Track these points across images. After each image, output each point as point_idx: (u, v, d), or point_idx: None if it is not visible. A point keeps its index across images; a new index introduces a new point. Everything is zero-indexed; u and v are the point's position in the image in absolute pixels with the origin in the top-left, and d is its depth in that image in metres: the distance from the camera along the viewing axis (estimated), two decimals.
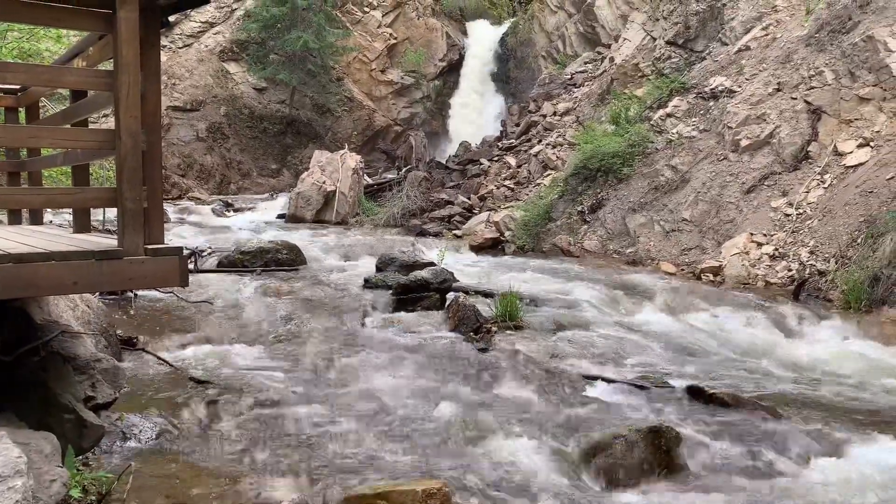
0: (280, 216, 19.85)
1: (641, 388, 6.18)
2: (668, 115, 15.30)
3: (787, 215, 11.52)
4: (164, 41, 23.63)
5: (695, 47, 18.08)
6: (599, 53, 23.23)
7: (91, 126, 5.58)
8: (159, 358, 6.32)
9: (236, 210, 20.57)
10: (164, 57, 22.98)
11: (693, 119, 14.79)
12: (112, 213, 9.53)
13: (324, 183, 19.39)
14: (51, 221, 9.82)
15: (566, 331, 8.08)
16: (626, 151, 14.71)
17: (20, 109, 6.37)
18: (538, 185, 18.13)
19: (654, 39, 19.34)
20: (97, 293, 6.69)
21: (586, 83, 21.89)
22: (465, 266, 11.83)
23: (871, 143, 11.51)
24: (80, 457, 4.09)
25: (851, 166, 11.46)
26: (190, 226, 16.94)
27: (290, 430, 5.00)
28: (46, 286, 3.87)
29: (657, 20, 19.49)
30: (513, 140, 22.00)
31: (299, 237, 14.56)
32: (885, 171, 10.71)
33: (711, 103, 14.77)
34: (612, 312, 9.10)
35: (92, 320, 5.68)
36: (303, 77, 25.14)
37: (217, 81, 25.55)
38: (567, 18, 25.06)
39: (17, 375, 4.09)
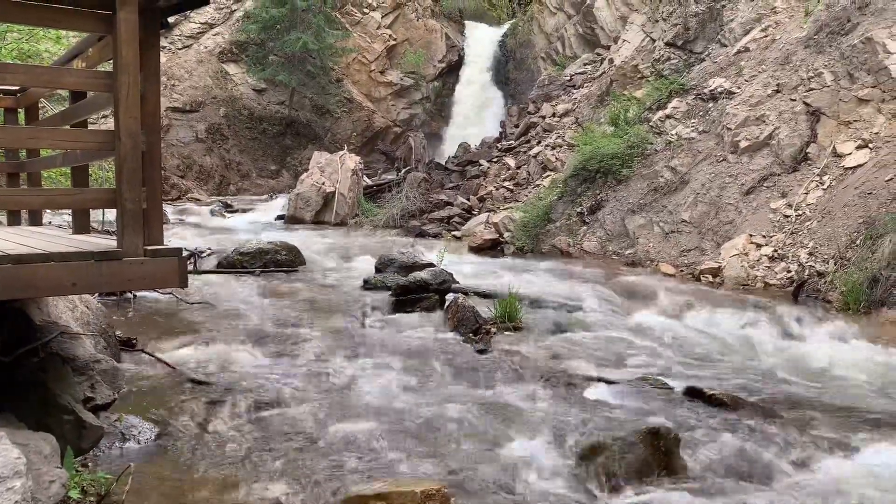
0: (279, 217, 19.85)
1: (640, 389, 6.18)
2: (668, 117, 15.32)
3: (787, 216, 11.53)
4: (163, 42, 23.64)
5: (694, 49, 18.10)
6: (599, 55, 23.25)
7: (90, 127, 5.59)
8: (158, 359, 6.31)
9: (235, 211, 20.57)
10: (163, 58, 23.00)
11: (692, 120, 14.81)
12: (111, 214, 9.53)
13: (323, 184, 19.39)
14: (50, 222, 9.81)
15: (565, 332, 8.09)
16: (626, 153, 14.72)
17: (19, 110, 6.38)
18: (537, 186, 18.14)
19: (654, 41, 19.36)
20: (96, 294, 6.69)
21: (585, 84, 21.90)
22: (464, 267, 11.83)
23: (870, 145, 11.52)
24: (80, 458, 4.08)
25: (850, 168, 11.47)
26: (189, 227, 16.94)
27: (289, 431, 5.00)
28: (45, 287, 3.87)
29: (656, 22, 19.51)
30: (512, 141, 22.02)
31: (298, 238, 14.55)
32: (883, 172, 10.72)
33: (710, 105, 14.78)
34: (611, 314, 9.11)
35: (91, 321, 5.68)
36: (302, 78, 25.14)
37: (216, 82, 25.56)
38: (566, 20, 25.07)
39: (16, 376, 4.09)
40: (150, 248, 4.01)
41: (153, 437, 4.75)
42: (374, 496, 3.82)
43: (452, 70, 29.24)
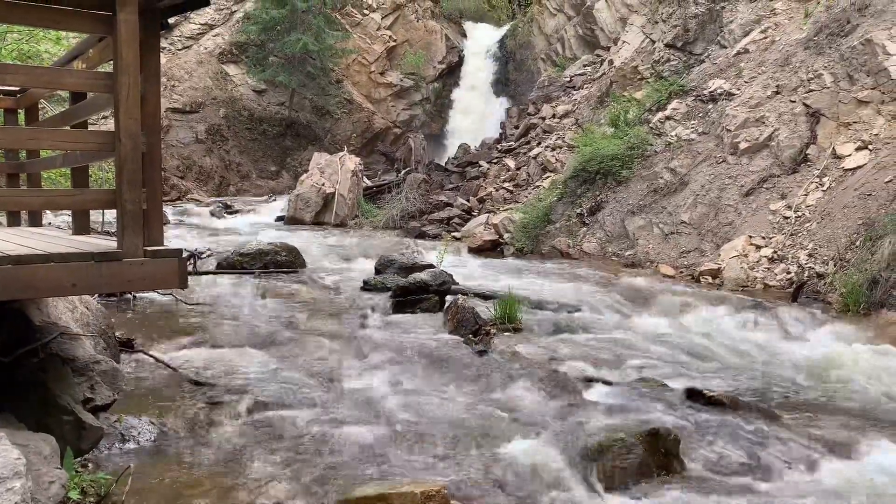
0: (279, 218, 19.86)
1: (640, 390, 6.18)
2: (667, 118, 15.33)
3: (786, 218, 11.53)
4: (163, 43, 23.65)
5: (694, 50, 18.12)
6: (598, 56, 23.27)
7: (90, 128, 5.59)
8: (158, 360, 6.31)
9: (235, 212, 20.57)
10: (163, 59, 22.99)
11: (692, 122, 14.82)
12: (111, 214, 9.53)
13: (323, 185, 19.40)
14: (49, 223, 9.81)
15: (565, 333, 8.09)
16: (625, 154, 14.73)
17: (19, 111, 6.38)
18: (537, 187, 18.15)
19: (653, 42, 19.37)
20: (96, 295, 6.69)
21: (585, 86, 21.92)
22: (464, 268, 11.84)
23: (870, 146, 11.52)
24: (79, 458, 4.08)
25: (850, 169, 11.48)
26: (189, 228, 16.94)
27: (288, 432, 4.99)
28: (45, 288, 3.87)
29: (656, 23, 19.52)
30: (512, 142, 22.04)
31: (298, 239, 14.56)
32: (883, 173, 10.73)
33: (710, 106, 14.79)
34: (610, 315, 9.11)
35: (91, 322, 5.68)
36: (302, 79, 25.15)
37: (216, 83, 25.56)
38: (566, 21, 25.09)
39: (16, 377, 4.09)
40: (150, 248, 4.02)
41: (153, 438, 4.74)
42: (375, 497, 3.82)
43: (452, 71, 29.26)
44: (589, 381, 6.43)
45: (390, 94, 28.40)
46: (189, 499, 4.02)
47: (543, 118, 21.66)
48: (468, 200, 19.47)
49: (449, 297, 8.97)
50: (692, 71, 17.08)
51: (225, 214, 19.93)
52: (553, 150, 19.33)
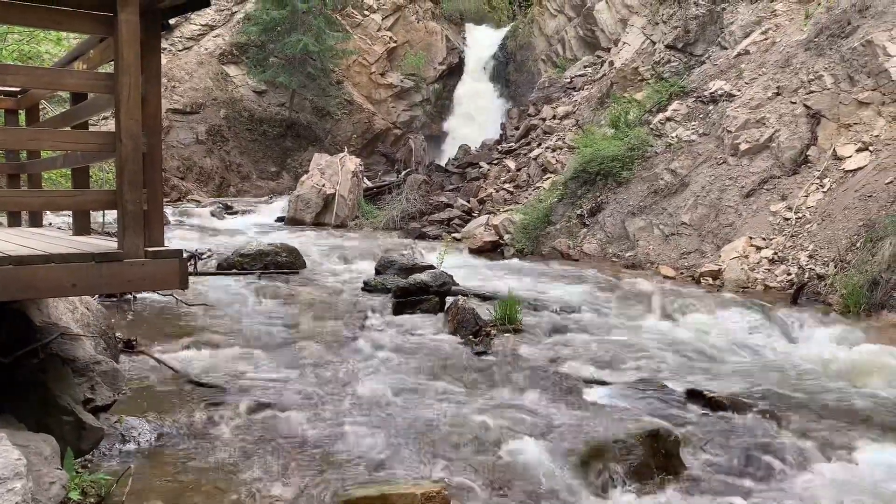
0: (279, 219, 19.86)
1: (640, 391, 6.18)
2: (668, 119, 15.33)
3: (787, 219, 11.53)
4: (163, 44, 23.63)
5: (694, 51, 18.12)
6: (599, 57, 23.27)
7: (91, 129, 5.59)
8: (158, 360, 6.31)
9: (236, 213, 20.58)
10: (164, 60, 22.97)
11: (692, 123, 14.81)
12: (112, 215, 9.53)
13: (323, 186, 19.40)
14: (50, 224, 9.81)
15: (565, 334, 8.09)
16: (626, 155, 14.72)
17: (20, 112, 6.38)
18: (537, 188, 18.15)
19: (654, 43, 19.38)
20: (96, 295, 6.69)
21: (586, 87, 21.92)
22: (464, 269, 11.83)
23: (871, 148, 11.52)
24: (80, 459, 4.08)
25: (850, 170, 11.47)
26: (189, 228, 16.94)
27: (289, 433, 5.00)
28: (46, 288, 3.87)
29: (657, 24, 19.53)
30: (512, 143, 22.04)
31: (299, 240, 14.57)
32: (884, 175, 10.73)
33: (711, 107, 14.79)
34: (611, 316, 9.11)
35: (91, 322, 5.68)
36: (302, 80, 25.16)
37: (217, 84, 25.57)
38: (567, 22, 25.10)
39: (16, 377, 4.09)
40: (150, 249, 4.02)
41: (153, 439, 4.75)
42: (375, 497, 3.82)
43: (453, 72, 29.27)
44: (589, 381, 6.43)
45: (391, 95, 28.41)
46: (189, 499, 4.02)
47: (544, 119, 21.66)
48: (468, 201, 19.48)
49: (449, 298, 8.98)
50: (693, 72, 17.08)
51: (225, 215, 19.94)
52: (553, 151, 19.33)
